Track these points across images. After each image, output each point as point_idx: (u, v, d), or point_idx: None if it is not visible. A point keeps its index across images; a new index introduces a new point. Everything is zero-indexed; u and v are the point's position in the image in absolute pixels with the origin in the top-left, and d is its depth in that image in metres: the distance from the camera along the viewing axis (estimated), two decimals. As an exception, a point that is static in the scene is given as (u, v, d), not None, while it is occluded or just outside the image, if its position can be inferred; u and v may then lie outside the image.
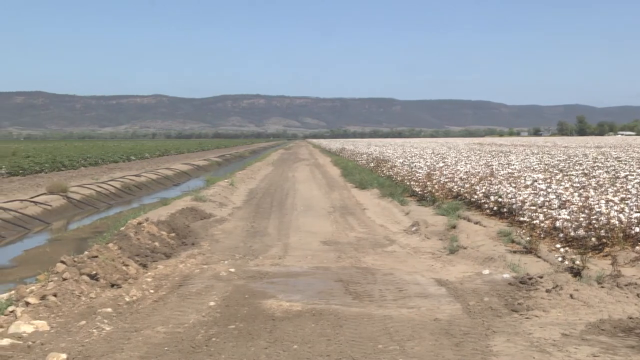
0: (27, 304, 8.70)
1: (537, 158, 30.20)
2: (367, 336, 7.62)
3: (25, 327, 7.63)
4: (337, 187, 30.52)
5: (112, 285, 10.16)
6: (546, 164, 25.58)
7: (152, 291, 10.03)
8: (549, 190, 15.38)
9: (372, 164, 40.34)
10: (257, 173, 41.35)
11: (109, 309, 8.68)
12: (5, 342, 7.05)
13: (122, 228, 15.01)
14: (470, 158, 31.97)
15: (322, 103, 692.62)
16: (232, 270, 11.61)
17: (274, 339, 7.51)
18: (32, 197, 25.83)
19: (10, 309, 8.74)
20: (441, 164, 26.64)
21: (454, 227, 15.86)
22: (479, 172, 21.45)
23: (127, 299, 9.38)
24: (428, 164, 28.05)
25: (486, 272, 11.07)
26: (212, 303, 9.19)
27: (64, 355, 6.55)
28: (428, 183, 21.95)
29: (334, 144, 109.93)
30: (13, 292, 10.11)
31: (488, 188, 18.13)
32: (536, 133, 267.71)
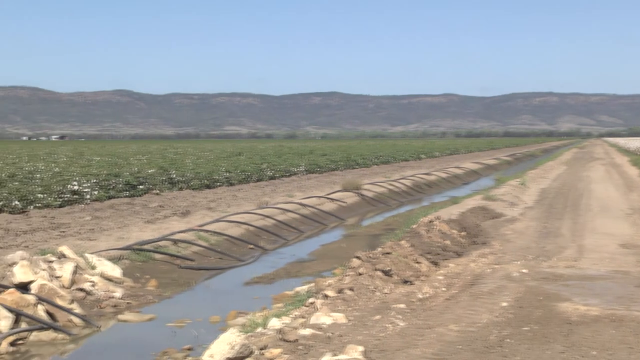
0: (326, 296, 9.10)
1: None
2: (674, 347, 7.12)
3: (324, 318, 7.97)
4: (636, 187, 28.90)
5: (405, 282, 10.35)
6: None
7: (443, 289, 10.08)
8: None
9: (675, 163, 37.75)
10: (549, 172, 40.20)
11: (402, 305, 8.84)
12: (307, 331, 7.42)
13: (414, 226, 15.25)
14: None
15: (619, 100, 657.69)
16: (525, 271, 11.37)
17: (571, 344, 7.24)
18: (328, 194, 27.00)
19: (310, 300, 9.20)
20: None
21: None
22: None
23: (419, 295, 9.50)
24: None
25: None
26: (504, 304, 9.05)
27: (361, 348, 6.75)
28: None
29: (633, 142, 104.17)
30: (312, 284, 10.65)
31: None
32: None
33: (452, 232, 14.99)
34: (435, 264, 12.09)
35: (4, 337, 9.50)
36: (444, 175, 42.20)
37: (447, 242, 13.90)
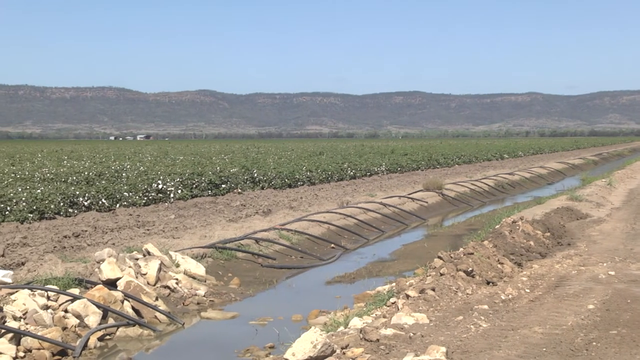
0: (407, 296, 9.05)
1: None
2: None
3: (406, 318, 7.93)
4: None
5: (487, 283, 10.22)
6: None
7: (527, 290, 9.92)
8: None
9: None
10: (638, 172, 39.14)
11: (485, 306, 8.73)
12: (389, 331, 7.39)
13: (497, 226, 15.04)
14: None
15: None
16: (612, 273, 11.10)
17: (661, 349, 7.04)
18: (409, 194, 26.88)
19: (391, 300, 9.18)
20: None
21: None
22: None
23: (502, 297, 9.37)
24: None
25: None
26: (591, 306, 8.85)
27: (444, 349, 6.69)
28: None
29: None
30: (394, 284, 10.60)
31: None
32: None
33: (536, 233, 14.73)
34: (519, 265, 11.91)
35: (93, 332, 9.75)
36: (527, 175, 41.56)
37: (531, 242, 13.68)
